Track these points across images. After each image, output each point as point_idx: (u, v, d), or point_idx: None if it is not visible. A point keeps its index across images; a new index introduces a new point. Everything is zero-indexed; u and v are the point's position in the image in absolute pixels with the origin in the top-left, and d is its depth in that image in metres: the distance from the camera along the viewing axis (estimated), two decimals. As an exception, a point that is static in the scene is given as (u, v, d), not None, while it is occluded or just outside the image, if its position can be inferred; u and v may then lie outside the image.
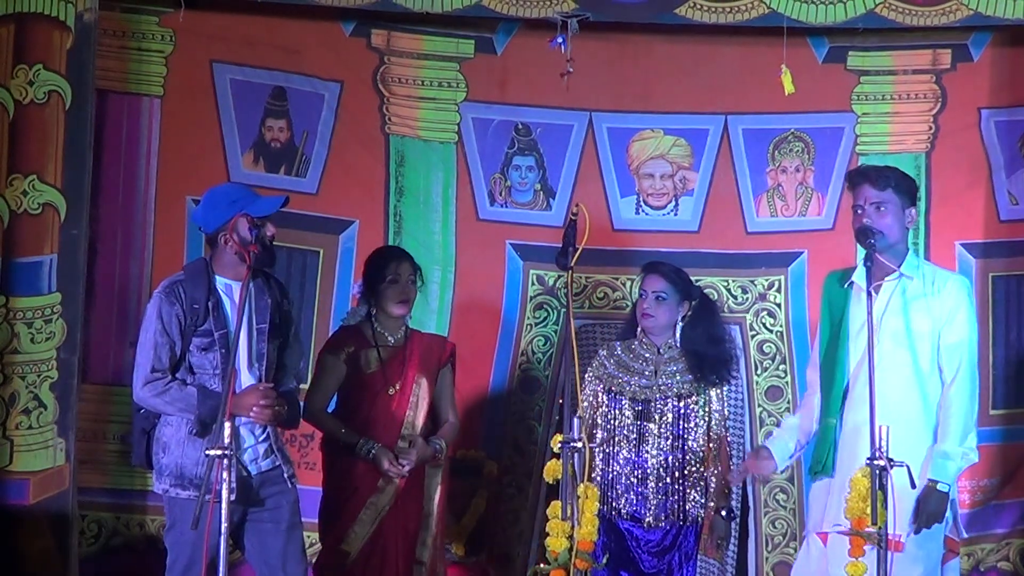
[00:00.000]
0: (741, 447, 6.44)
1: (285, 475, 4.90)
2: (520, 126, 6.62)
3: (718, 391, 5.65)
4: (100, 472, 6.17)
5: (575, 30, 5.85)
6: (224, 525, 4.39)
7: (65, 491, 5.71)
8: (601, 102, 6.59)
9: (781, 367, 6.52)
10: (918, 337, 4.86)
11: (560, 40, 5.86)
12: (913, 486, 4.56)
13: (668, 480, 5.56)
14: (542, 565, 5.01)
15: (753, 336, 6.55)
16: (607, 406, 5.63)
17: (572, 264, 5.04)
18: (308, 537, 6.26)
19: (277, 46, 6.40)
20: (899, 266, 4.87)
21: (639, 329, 5.67)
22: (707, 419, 5.60)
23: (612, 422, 5.60)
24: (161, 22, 6.23)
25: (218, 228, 4.84)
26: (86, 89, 5.78)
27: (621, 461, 5.57)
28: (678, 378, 5.62)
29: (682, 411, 5.58)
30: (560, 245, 5.18)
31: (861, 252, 4.98)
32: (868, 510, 4.49)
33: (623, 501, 5.55)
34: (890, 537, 4.53)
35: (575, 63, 5.93)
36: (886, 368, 4.76)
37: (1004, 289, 6.40)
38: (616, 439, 5.58)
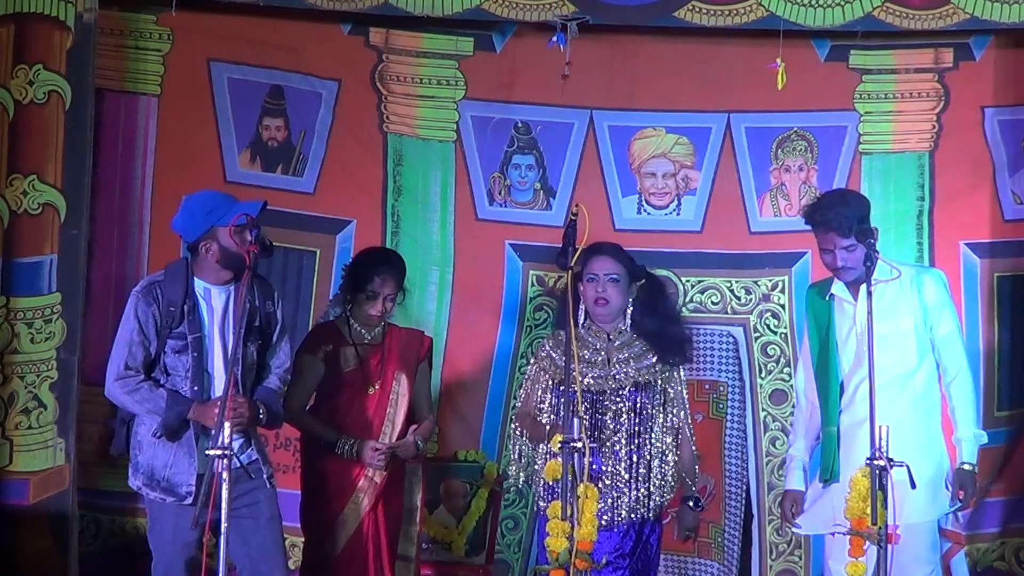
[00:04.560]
0: (743, 450, 6.69)
1: (264, 475, 5.18)
2: (520, 124, 6.82)
3: (676, 373, 5.53)
4: (94, 474, 6.36)
5: (574, 33, 6.08)
6: (224, 526, 4.58)
7: (65, 491, 5.93)
8: (602, 100, 6.78)
9: (785, 370, 6.70)
10: (903, 337, 5.25)
11: (558, 39, 6.09)
12: (913, 486, 4.83)
13: (626, 476, 5.42)
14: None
15: (757, 338, 6.74)
16: (557, 399, 5.47)
17: (572, 264, 5.10)
18: (288, 539, 6.54)
19: (275, 45, 6.63)
20: (871, 275, 5.14)
21: (583, 317, 5.52)
22: (664, 407, 5.47)
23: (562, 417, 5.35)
24: (159, 21, 6.47)
25: (198, 238, 5.11)
26: (86, 89, 6.00)
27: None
28: (633, 365, 5.47)
29: (639, 401, 5.44)
30: (560, 245, 5.26)
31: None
32: (868, 510, 4.75)
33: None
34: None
35: (575, 60, 6.16)
36: (877, 370, 5.03)
37: (1009, 289, 6.59)
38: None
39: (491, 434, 6.70)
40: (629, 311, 5.51)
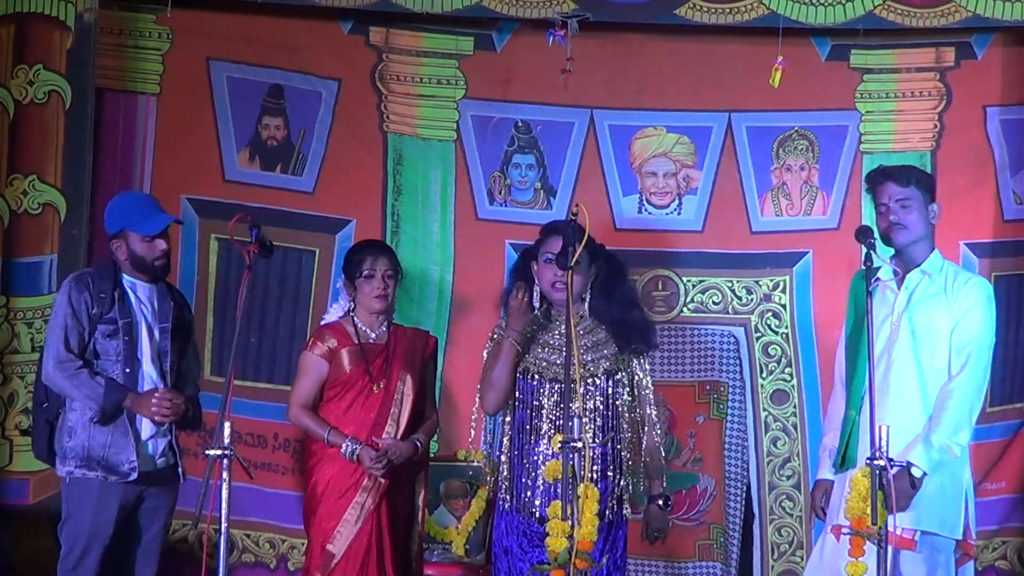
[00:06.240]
0: (744, 451, 6.73)
1: (179, 470, 5.36)
2: (520, 124, 6.88)
3: (640, 361, 5.27)
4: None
5: (575, 30, 6.16)
6: (224, 525, 4.65)
7: (65, 491, 6.05)
8: (602, 99, 6.84)
9: (787, 370, 6.75)
10: (936, 335, 5.12)
11: (556, 36, 6.18)
12: (913, 486, 4.84)
13: (597, 473, 5.14)
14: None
15: (758, 338, 6.79)
16: (523, 389, 5.23)
17: (572, 264, 4.98)
18: (287, 540, 6.66)
19: (275, 44, 6.71)
20: (921, 263, 5.14)
21: (539, 301, 5.25)
22: (630, 397, 5.22)
23: (529, 409, 5.21)
24: (158, 20, 6.53)
25: (112, 235, 5.30)
26: (86, 89, 6.11)
27: (540, 454, 5.15)
28: (603, 351, 5.21)
29: (610, 391, 5.19)
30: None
31: (886, 252, 5.19)
32: (868, 510, 4.70)
33: (539, 502, 5.16)
34: (901, 534, 4.83)
35: (576, 59, 6.23)
36: (904, 364, 5.07)
37: (1006, 289, 6.63)
38: (533, 428, 5.19)
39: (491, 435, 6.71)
40: (587, 296, 5.23)
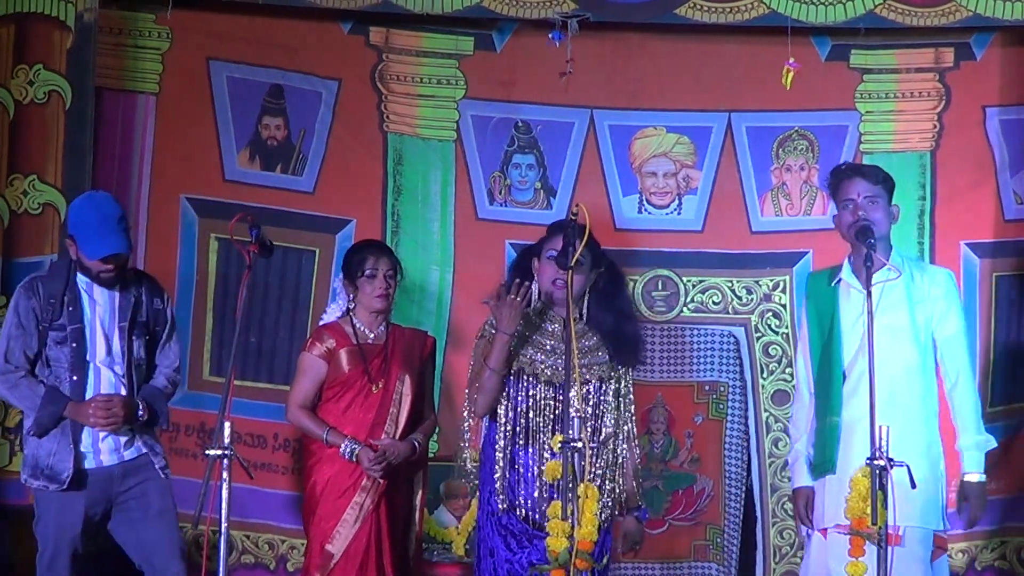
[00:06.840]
0: (745, 451, 6.80)
1: (156, 466, 5.30)
2: (520, 124, 6.89)
3: (627, 376, 5.30)
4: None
5: (575, 31, 6.19)
6: (224, 526, 4.64)
7: (64, 491, 6.03)
8: (602, 99, 6.85)
9: (787, 370, 6.73)
10: (911, 332, 5.19)
11: (555, 36, 6.22)
12: (913, 486, 4.82)
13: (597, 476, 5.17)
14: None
15: (759, 338, 6.80)
16: (515, 390, 5.21)
17: (572, 264, 5.01)
18: (286, 541, 6.67)
19: (275, 44, 6.70)
20: (885, 261, 5.20)
21: (535, 299, 5.26)
22: (617, 407, 5.26)
23: (522, 410, 5.20)
24: (158, 20, 6.53)
25: (68, 233, 5.24)
26: (86, 89, 6.11)
27: (535, 457, 5.16)
28: (598, 355, 5.24)
29: (601, 397, 5.22)
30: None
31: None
32: (868, 510, 4.75)
33: (530, 503, 5.16)
34: (888, 531, 4.81)
35: (576, 59, 6.28)
36: (882, 363, 5.03)
37: (1007, 289, 6.65)
38: (524, 429, 5.18)
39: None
40: (585, 300, 5.25)
